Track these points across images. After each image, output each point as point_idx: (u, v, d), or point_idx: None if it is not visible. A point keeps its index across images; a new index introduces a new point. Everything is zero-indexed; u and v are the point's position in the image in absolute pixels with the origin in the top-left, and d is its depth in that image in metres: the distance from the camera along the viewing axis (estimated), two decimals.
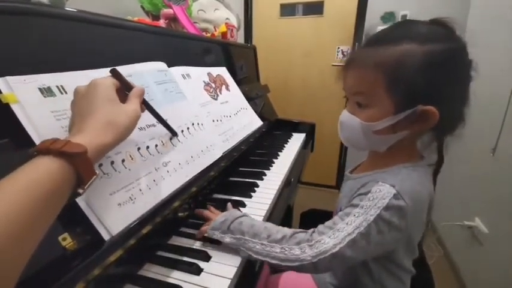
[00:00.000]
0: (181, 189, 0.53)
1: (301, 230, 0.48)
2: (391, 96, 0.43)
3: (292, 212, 1.28)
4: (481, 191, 1.27)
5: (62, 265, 0.33)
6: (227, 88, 0.90)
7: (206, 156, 0.64)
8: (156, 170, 0.50)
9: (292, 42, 2.17)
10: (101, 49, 0.52)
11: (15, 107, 0.35)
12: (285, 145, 1.09)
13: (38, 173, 0.27)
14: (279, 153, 0.99)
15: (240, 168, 0.85)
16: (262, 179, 0.79)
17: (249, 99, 1.01)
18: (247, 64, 1.20)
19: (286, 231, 0.48)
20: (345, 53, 2.04)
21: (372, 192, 0.44)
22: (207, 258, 0.49)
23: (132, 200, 0.43)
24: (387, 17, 1.81)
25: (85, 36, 0.49)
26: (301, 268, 0.45)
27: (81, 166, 0.30)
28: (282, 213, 0.71)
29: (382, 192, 0.43)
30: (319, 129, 1.37)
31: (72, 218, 0.36)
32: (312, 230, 0.47)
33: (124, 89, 0.42)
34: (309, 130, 1.30)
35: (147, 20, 1.08)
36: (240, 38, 1.65)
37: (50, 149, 0.29)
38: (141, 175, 0.46)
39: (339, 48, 2.06)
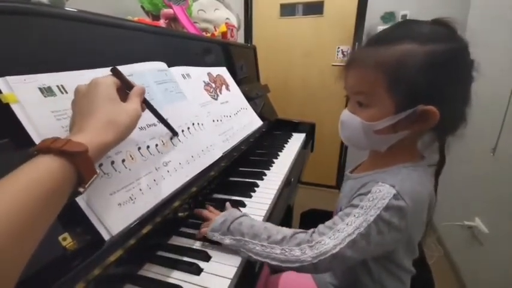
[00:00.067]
0: (182, 189, 0.53)
1: (301, 230, 0.48)
2: (391, 96, 0.43)
3: (292, 212, 1.28)
4: (481, 191, 1.27)
5: (62, 265, 0.33)
6: (227, 88, 0.90)
7: (206, 156, 0.64)
8: (156, 169, 0.50)
9: (292, 42, 2.17)
10: (101, 49, 0.52)
11: (15, 107, 0.35)
12: (285, 145, 1.09)
13: (39, 172, 0.27)
14: (279, 153, 0.99)
15: (240, 168, 0.85)
16: (262, 179, 0.79)
17: (249, 99, 1.01)
18: (247, 64, 1.20)
19: (286, 231, 0.48)
20: (345, 53, 2.04)
21: (372, 193, 0.44)
22: (207, 258, 0.49)
23: (132, 199, 0.43)
24: (387, 17, 1.81)
25: (85, 36, 0.49)
26: (301, 269, 0.45)
27: (82, 165, 0.30)
28: (282, 213, 0.71)
29: (382, 192, 0.43)
30: (319, 129, 1.37)
31: (72, 218, 0.36)
32: (312, 230, 0.47)
33: (125, 88, 0.42)
34: (309, 130, 1.30)
35: (147, 20, 1.08)
36: (240, 38, 1.65)
37: (51, 148, 0.29)
38: (141, 175, 0.46)
39: (339, 48, 2.06)
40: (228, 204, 0.62)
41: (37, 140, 0.35)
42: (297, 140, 1.17)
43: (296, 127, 1.31)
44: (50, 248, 0.33)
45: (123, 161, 0.44)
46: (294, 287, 0.66)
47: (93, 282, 0.35)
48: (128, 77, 0.43)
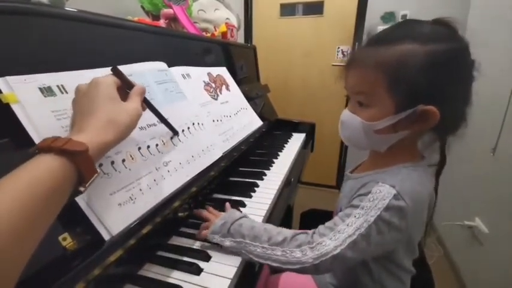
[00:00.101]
0: (182, 189, 0.53)
1: (301, 231, 0.48)
2: (392, 96, 0.43)
3: (292, 212, 1.28)
4: (481, 191, 1.27)
5: (62, 265, 0.33)
6: (227, 88, 0.90)
7: (206, 156, 0.64)
8: (156, 169, 0.50)
9: (292, 42, 2.17)
10: (101, 49, 0.52)
11: (15, 107, 0.35)
12: (285, 145, 1.09)
13: (39, 171, 0.27)
14: (279, 153, 0.99)
15: (240, 168, 0.85)
16: (262, 179, 0.79)
17: (249, 99, 1.01)
18: (247, 64, 1.20)
19: (287, 233, 0.48)
20: (345, 53, 2.04)
21: (372, 193, 0.44)
22: (207, 258, 0.49)
23: (132, 199, 0.43)
24: (387, 16, 1.81)
25: (85, 36, 0.49)
26: (302, 270, 0.45)
27: (83, 164, 0.30)
28: (282, 213, 0.71)
29: (382, 193, 0.43)
30: (319, 129, 1.37)
31: (72, 218, 0.36)
32: (312, 231, 0.47)
33: (125, 87, 0.42)
34: (309, 130, 1.30)
35: (147, 20, 1.08)
36: (240, 38, 1.65)
37: (52, 147, 0.29)
38: (141, 175, 0.46)
39: (339, 48, 2.06)
40: (227, 204, 0.62)
41: (37, 140, 0.35)
42: (297, 140, 1.17)
43: (296, 127, 1.31)
44: (50, 248, 0.32)
45: (123, 161, 0.44)
46: (294, 287, 0.66)
47: (93, 282, 0.35)
48: (128, 77, 0.43)
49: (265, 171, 0.82)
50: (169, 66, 0.65)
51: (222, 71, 0.92)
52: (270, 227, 0.50)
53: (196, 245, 0.53)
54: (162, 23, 1.01)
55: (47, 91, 0.39)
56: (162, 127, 0.54)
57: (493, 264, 1.13)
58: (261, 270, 0.54)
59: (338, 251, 0.42)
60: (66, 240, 0.34)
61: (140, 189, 0.45)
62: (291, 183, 0.84)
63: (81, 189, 0.32)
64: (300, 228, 0.98)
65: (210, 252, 0.50)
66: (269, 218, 0.64)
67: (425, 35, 0.42)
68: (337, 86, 0.52)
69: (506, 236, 1.06)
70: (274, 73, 2.25)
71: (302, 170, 1.05)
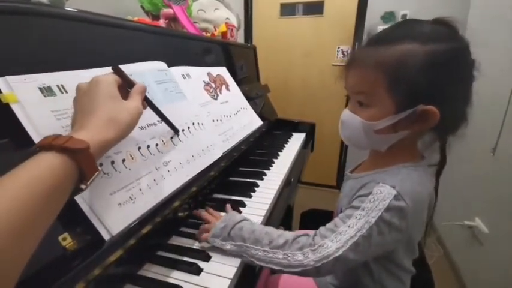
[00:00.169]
0: (182, 189, 0.53)
1: (302, 233, 0.48)
2: (392, 96, 0.43)
3: (292, 212, 1.28)
4: (481, 191, 1.27)
5: (62, 265, 0.33)
6: (227, 88, 0.90)
7: (206, 156, 0.64)
8: (156, 169, 0.49)
9: (292, 42, 2.17)
10: (101, 49, 0.52)
11: (15, 107, 0.35)
12: (285, 145, 1.09)
13: (40, 169, 0.27)
14: (279, 153, 0.99)
15: (240, 168, 0.85)
16: (262, 179, 0.78)
17: (249, 99, 1.01)
18: (247, 64, 1.20)
19: (288, 235, 0.48)
20: (345, 53, 2.04)
21: (373, 194, 0.44)
22: (207, 258, 0.49)
23: (132, 199, 0.43)
24: (387, 16, 1.81)
25: (85, 36, 0.49)
26: (304, 273, 0.45)
27: (84, 162, 0.30)
28: (282, 213, 0.71)
29: (383, 193, 0.43)
30: (319, 129, 1.37)
31: (72, 218, 0.36)
32: (313, 233, 0.47)
33: (126, 86, 0.42)
34: (309, 130, 1.30)
35: (147, 19, 1.08)
36: (240, 37, 1.64)
37: (52, 144, 0.29)
38: (141, 175, 0.46)
39: (339, 48, 2.06)
40: (228, 206, 0.61)
41: (37, 140, 0.35)
42: (297, 139, 1.17)
43: (296, 127, 1.31)
44: (49, 248, 0.32)
45: (123, 160, 0.44)
46: (294, 287, 0.66)
47: (93, 282, 0.35)
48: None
49: (265, 171, 0.82)
50: (169, 66, 0.65)
51: (222, 71, 0.92)
52: (271, 229, 0.50)
53: (196, 245, 0.53)
54: (162, 23, 1.01)
55: (46, 91, 0.39)
56: (162, 127, 0.54)
57: (493, 264, 1.13)
58: (261, 270, 0.54)
59: (340, 252, 0.42)
60: (66, 240, 0.34)
61: (140, 189, 0.45)
62: (291, 183, 0.84)
63: (82, 186, 0.32)
64: (300, 228, 0.97)
65: (210, 252, 0.50)
66: (269, 218, 0.64)
67: (426, 35, 0.42)
68: (337, 86, 0.52)
69: (506, 236, 1.06)
70: (274, 73, 2.25)
71: (302, 170, 1.05)
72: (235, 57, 1.09)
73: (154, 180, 0.48)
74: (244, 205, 0.65)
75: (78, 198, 0.36)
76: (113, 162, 0.43)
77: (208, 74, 0.83)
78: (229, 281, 0.44)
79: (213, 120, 0.75)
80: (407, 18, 1.73)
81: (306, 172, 1.17)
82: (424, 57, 0.40)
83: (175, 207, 0.52)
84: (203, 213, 0.59)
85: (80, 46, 0.48)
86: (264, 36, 2.21)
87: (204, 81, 0.79)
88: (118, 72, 0.41)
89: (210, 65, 0.87)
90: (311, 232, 0.48)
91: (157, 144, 0.52)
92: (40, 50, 0.41)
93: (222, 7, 1.34)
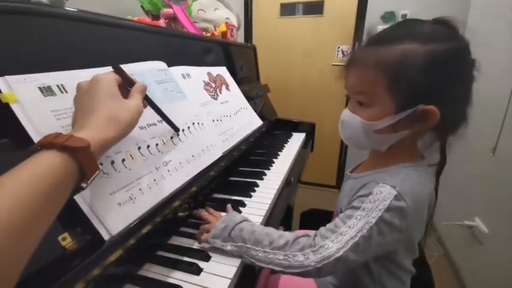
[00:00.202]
0: (182, 189, 0.53)
1: (303, 233, 0.48)
2: (392, 95, 0.43)
3: (292, 212, 1.28)
4: (481, 190, 1.27)
5: (61, 265, 0.33)
6: (227, 88, 0.90)
7: (206, 156, 0.64)
8: (156, 169, 0.49)
9: (292, 42, 2.17)
10: (101, 49, 0.52)
11: (14, 107, 0.35)
12: (285, 145, 1.09)
13: (41, 168, 0.27)
14: (279, 153, 0.99)
15: (240, 168, 0.85)
16: (262, 179, 0.78)
17: (249, 98, 1.01)
18: (247, 64, 1.20)
19: (288, 236, 0.48)
20: (345, 53, 2.04)
21: (373, 194, 0.44)
22: (207, 258, 0.49)
23: (132, 199, 0.43)
24: (387, 16, 1.81)
25: (85, 35, 0.49)
26: (304, 274, 0.45)
27: (84, 160, 0.30)
28: (282, 213, 0.71)
29: (383, 194, 0.43)
30: (319, 129, 1.37)
31: (72, 217, 0.36)
32: (314, 233, 0.47)
33: (126, 84, 0.42)
34: (309, 130, 1.30)
35: (147, 19, 1.08)
36: (240, 37, 1.64)
37: (53, 143, 0.29)
38: (141, 174, 0.46)
39: (339, 48, 2.06)
40: (229, 206, 0.61)
41: (37, 140, 0.35)
42: (297, 139, 1.17)
43: (296, 127, 1.31)
44: (49, 248, 0.32)
45: (123, 160, 0.44)
46: (294, 287, 0.66)
47: (92, 282, 0.35)
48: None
49: (265, 171, 0.82)
50: (169, 66, 0.65)
51: (222, 71, 0.92)
52: (271, 230, 0.50)
53: (196, 244, 0.53)
54: (161, 22, 1.01)
55: (46, 91, 0.39)
56: (162, 127, 0.54)
57: (493, 264, 1.13)
58: (261, 270, 0.54)
59: (341, 253, 0.42)
60: (66, 240, 0.34)
61: (140, 189, 0.45)
62: (291, 183, 0.84)
63: (83, 185, 0.32)
64: (299, 228, 0.97)
65: (210, 252, 0.50)
66: (269, 218, 0.64)
67: (426, 35, 0.42)
68: (337, 85, 0.52)
69: (506, 236, 1.06)
70: (274, 73, 2.25)
71: (302, 169, 1.05)
72: (235, 57, 1.09)
73: (154, 180, 0.48)
74: (244, 205, 0.65)
75: (78, 198, 0.36)
76: (112, 162, 0.42)
77: (208, 73, 0.83)
78: (229, 281, 0.44)
79: (213, 120, 0.75)
80: (407, 18, 1.73)
81: (306, 172, 1.17)
82: (424, 57, 0.40)
83: (175, 207, 0.52)
84: (203, 213, 0.59)
85: (79, 46, 0.48)
86: (264, 36, 2.21)
87: (204, 81, 0.79)
88: (118, 71, 0.41)
89: (210, 64, 0.87)
90: (311, 232, 0.48)
91: (157, 144, 0.51)
92: (40, 50, 0.41)
93: (222, 7, 1.34)
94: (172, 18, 1.03)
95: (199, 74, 0.79)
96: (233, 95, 0.92)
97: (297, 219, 1.23)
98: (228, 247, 0.49)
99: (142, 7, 1.09)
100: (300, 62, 2.19)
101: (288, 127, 1.31)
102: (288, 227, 1.16)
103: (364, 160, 0.60)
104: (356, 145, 0.52)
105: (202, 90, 0.77)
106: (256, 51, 1.32)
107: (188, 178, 0.56)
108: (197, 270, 0.45)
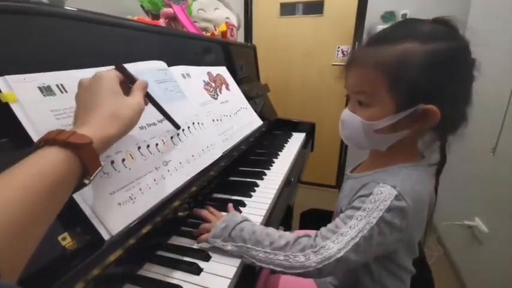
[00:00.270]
0: (182, 189, 0.53)
1: (303, 233, 0.48)
2: (392, 95, 0.43)
3: (292, 211, 1.28)
4: (481, 190, 1.27)
5: (61, 265, 0.33)
6: (227, 87, 0.90)
7: (206, 156, 0.64)
8: (156, 169, 0.49)
9: (292, 41, 2.17)
10: (101, 48, 0.52)
11: (14, 106, 0.35)
12: (285, 145, 1.09)
13: (43, 164, 0.27)
14: (279, 152, 0.99)
15: (240, 168, 0.85)
16: (262, 179, 0.78)
17: (249, 98, 1.01)
18: (247, 63, 1.20)
19: (289, 236, 0.48)
20: (345, 53, 2.04)
21: (374, 194, 0.44)
22: (207, 258, 0.48)
23: (132, 199, 0.43)
24: (387, 16, 1.81)
25: (85, 35, 0.49)
26: (305, 274, 0.45)
27: (87, 157, 0.30)
28: (282, 213, 0.71)
29: (383, 194, 0.43)
30: (319, 129, 1.37)
31: (72, 217, 0.36)
32: (314, 234, 0.47)
33: (128, 82, 0.42)
34: (309, 130, 1.30)
35: (147, 19, 1.08)
36: (240, 37, 1.64)
37: (56, 139, 0.29)
38: (141, 174, 0.46)
39: (339, 47, 2.06)
40: (230, 206, 0.61)
41: (36, 139, 0.35)
42: (297, 139, 1.17)
43: (296, 127, 1.31)
44: (49, 248, 0.32)
45: (123, 160, 0.44)
46: (294, 286, 0.66)
47: (92, 282, 0.35)
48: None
49: (265, 171, 0.82)
50: (169, 66, 0.65)
51: (222, 71, 0.92)
52: (272, 230, 0.50)
53: (196, 244, 0.53)
54: (161, 22, 1.01)
55: (46, 90, 0.38)
56: (162, 126, 0.54)
57: (493, 264, 1.13)
58: (261, 270, 0.54)
59: (342, 254, 0.42)
60: (66, 240, 0.34)
61: (140, 189, 0.45)
62: (291, 183, 0.84)
63: (86, 181, 0.32)
64: (299, 228, 0.97)
65: (210, 252, 0.50)
66: (269, 218, 0.64)
67: (426, 34, 0.42)
68: (337, 85, 0.52)
69: (506, 236, 1.06)
70: (274, 73, 2.25)
71: (302, 169, 1.05)
72: (235, 56, 1.09)
73: (154, 179, 0.48)
74: (244, 205, 0.65)
75: (78, 198, 0.36)
76: (112, 162, 0.42)
77: (208, 73, 0.83)
78: (229, 281, 0.44)
79: (213, 120, 0.75)
80: (407, 17, 1.73)
81: (306, 172, 1.17)
82: (424, 56, 0.40)
83: (175, 207, 0.52)
84: (204, 212, 0.59)
85: (79, 45, 0.48)
86: (264, 35, 2.21)
87: (204, 81, 0.79)
88: (120, 68, 0.41)
89: (210, 64, 0.87)
90: (311, 232, 0.48)
91: (157, 144, 0.51)
92: (40, 50, 0.41)
93: (222, 6, 1.33)
94: (172, 18, 1.03)
95: (199, 73, 0.79)
96: (233, 94, 0.92)
97: (297, 219, 1.23)
98: (229, 247, 0.49)
99: (142, 7, 1.09)
100: (300, 61, 2.19)
101: (288, 127, 1.31)
102: (288, 227, 1.16)
103: (364, 160, 0.60)
104: (356, 145, 0.52)
105: (202, 90, 0.77)
106: (256, 51, 1.32)
107: (188, 178, 0.56)
108: (197, 270, 0.45)
